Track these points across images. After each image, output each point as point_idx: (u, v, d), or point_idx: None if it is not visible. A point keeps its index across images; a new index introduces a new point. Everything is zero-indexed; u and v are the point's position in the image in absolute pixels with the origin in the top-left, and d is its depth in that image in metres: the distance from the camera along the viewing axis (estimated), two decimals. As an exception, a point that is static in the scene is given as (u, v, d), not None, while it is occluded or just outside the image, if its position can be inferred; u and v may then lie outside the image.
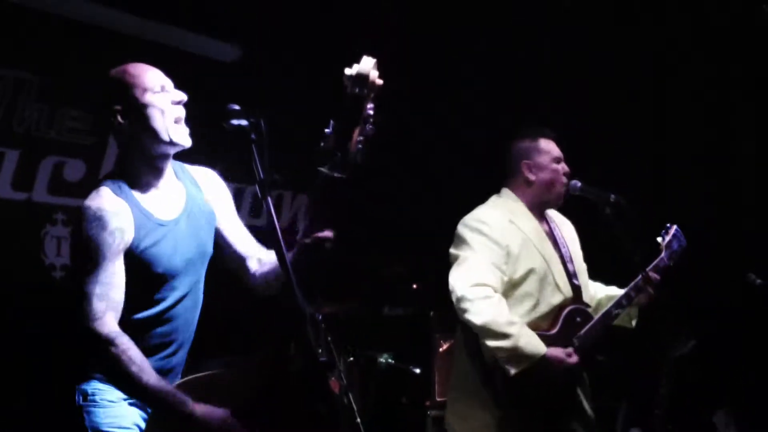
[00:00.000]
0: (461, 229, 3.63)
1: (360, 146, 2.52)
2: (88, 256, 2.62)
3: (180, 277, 2.82)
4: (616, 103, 6.06)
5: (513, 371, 3.32)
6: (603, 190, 3.73)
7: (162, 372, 2.72)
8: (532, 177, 3.72)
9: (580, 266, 3.81)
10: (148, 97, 2.73)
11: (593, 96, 6.10)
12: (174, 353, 2.86)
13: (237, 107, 2.58)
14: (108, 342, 2.57)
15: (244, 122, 2.56)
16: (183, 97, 2.78)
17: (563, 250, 3.74)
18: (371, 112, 2.53)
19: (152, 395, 2.60)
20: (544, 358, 3.35)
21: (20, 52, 4.65)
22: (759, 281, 4.76)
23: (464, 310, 3.41)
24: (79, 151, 5.00)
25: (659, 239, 3.86)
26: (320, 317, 5.15)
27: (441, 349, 5.41)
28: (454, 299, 3.47)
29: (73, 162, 4.97)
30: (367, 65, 2.48)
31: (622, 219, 3.63)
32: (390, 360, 5.80)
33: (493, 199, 3.80)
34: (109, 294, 2.62)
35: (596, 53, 5.91)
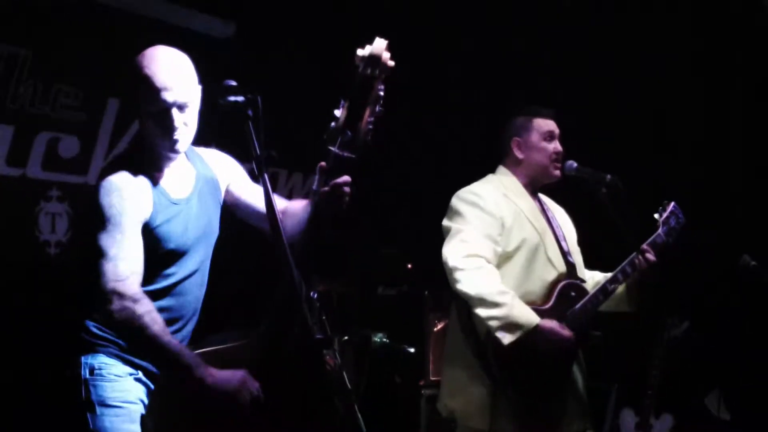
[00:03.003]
0: (455, 201, 3.62)
1: (370, 126, 2.56)
2: (110, 223, 2.66)
3: (190, 254, 2.88)
4: (612, 87, 6.05)
5: (507, 340, 3.30)
6: (599, 171, 3.72)
7: None
8: (520, 155, 3.72)
9: (574, 248, 3.80)
10: (162, 114, 2.72)
11: (591, 80, 6.09)
12: (181, 328, 2.90)
13: (233, 83, 2.58)
14: (135, 300, 2.62)
15: (240, 98, 2.56)
16: (194, 123, 2.81)
17: (557, 229, 3.73)
18: (382, 93, 2.56)
19: (173, 354, 2.65)
20: (537, 329, 3.33)
21: (13, 28, 4.61)
22: (753, 263, 4.76)
23: (457, 281, 3.40)
24: (74, 127, 4.98)
25: (656, 215, 3.85)
26: (315, 295, 5.15)
27: (435, 329, 5.41)
28: (447, 270, 3.45)
29: (67, 138, 4.95)
30: (379, 46, 2.52)
31: (617, 200, 3.62)
32: (384, 339, 5.81)
33: (489, 177, 3.80)
34: (133, 258, 2.67)
35: (585, 38, 5.90)
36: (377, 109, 2.57)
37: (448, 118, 6.58)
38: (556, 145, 3.72)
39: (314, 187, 2.68)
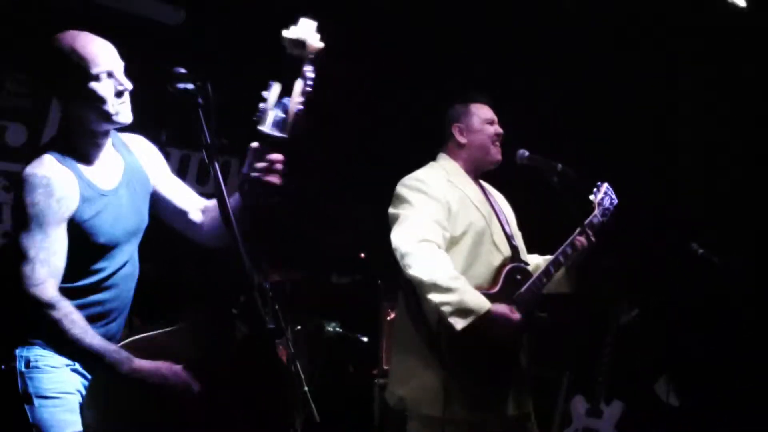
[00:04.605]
0: (400, 188, 3.61)
1: (300, 106, 2.52)
2: (32, 222, 2.61)
3: (120, 247, 2.83)
4: (565, 77, 6.08)
5: (459, 326, 3.29)
6: (550, 160, 3.75)
7: None
8: (463, 140, 3.74)
9: (516, 232, 3.83)
10: (93, 84, 2.66)
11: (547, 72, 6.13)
12: (113, 320, 2.87)
13: (183, 70, 2.54)
14: (50, 306, 2.59)
15: (190, 86, 2.52)
16: (129, 86, 2.73)
17: (500, 214, 3.76)
18: (311, 74, 2.52)
19: (96, 355, 2.63)
20: (488, 314, 3.33)
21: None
22: (701, 251, 4.84)
23: (409, 266, 3.38)
24: (21, 115, 4.90)
25: (591, 197, 3.89)
26: (267, 285, 5.13)
27: (388, 318, 5.42)
28: (398, 256, 3.43)
29: (14, 126, 4.87)
30: (304, 28, 2.48)
31: (568, 188, 3.65)
32: (337, 329, 5.80)
33: (431, 164, 3.79)
34: (52, 260, 2.62)
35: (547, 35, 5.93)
36: (307, 89, 2.53)
37: (407, 105, 6.56)
38: (497, 128, 3.76)
39: (244, 169, 2.64)
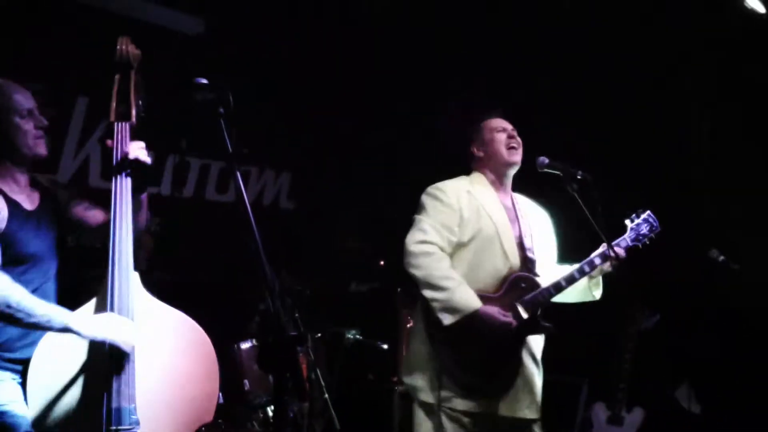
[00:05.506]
0: (422, 196, 3.84)
1: (140, 102, 2.96)
2: None
3: (41, 263, 3.00)
4: (581, 85, 6.08)
5: (446, 321, 3.51)
6: (570, 166, 3.76)
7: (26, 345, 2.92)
8: (480, 154, 3.94)
9: (542, 245, 3.88)
10: (16, 121, 2.97)
11: (560, 77, 6.13)
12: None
13: (204, 81, 2.58)
14: None
15: (211, 96, 2.56)
16: (45, 123, 3.04)
17: (523, 226, 3.85)
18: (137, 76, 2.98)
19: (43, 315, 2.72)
20: (477, 313, 3.51)
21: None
22: (722, 257, 4.83)
23: (409, 264, 3.64)
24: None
25: (627, 222, 3.90)
26: (288, 293, 5.16)
27: (408, 325, 5.42)
28: (404, 256, 3.68)
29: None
30: (121, 43, 2.98)
31: (587, 195, 3.66)
32: (357, 336, 5.82)
33: (461, 177, 3.96)
34: None
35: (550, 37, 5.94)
36: (140, 84, 2.95)
37: (429, 115, 6.58)
38: (508, 132, 3.91)
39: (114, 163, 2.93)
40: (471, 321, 3.51)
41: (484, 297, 3.59)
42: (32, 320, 2.70)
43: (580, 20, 5.82)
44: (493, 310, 3.54)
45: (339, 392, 5.54)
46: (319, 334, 5.62)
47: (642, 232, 3.90)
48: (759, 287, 5.12)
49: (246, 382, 4.99)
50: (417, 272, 3.62)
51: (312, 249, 6.57)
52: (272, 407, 5.08)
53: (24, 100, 3.01)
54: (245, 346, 5.07)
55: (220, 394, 4.84)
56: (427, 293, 3.58)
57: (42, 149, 3.03)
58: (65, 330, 2.72)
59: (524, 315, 3.62)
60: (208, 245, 5.76)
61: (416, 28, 6.08)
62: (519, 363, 3.66)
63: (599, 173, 3.72)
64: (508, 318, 3.56)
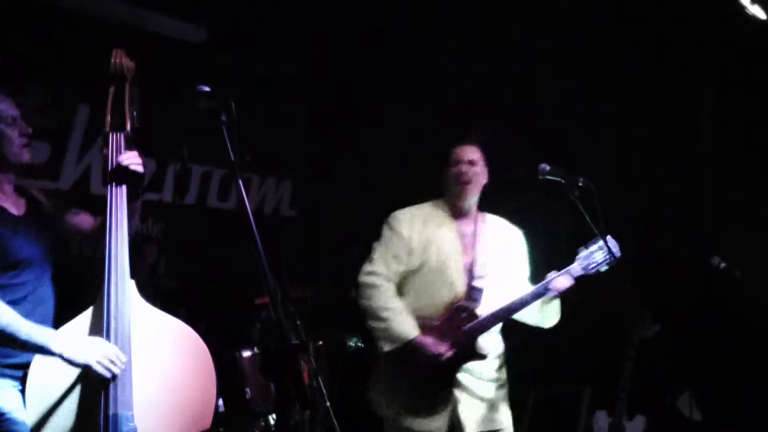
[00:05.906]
0: (384, 224, 4.02)
1: (135, 113, 3.01)
2: None
3: (33, 267, 3.02)
4: (579, 92, 6.08)
5: (385, 348, 3.80)
6: (571, 174, 3.74)
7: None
8: (443, 186, 4.02)
9: (497, 273, 3.92)
10: (1, 129, 3.00)
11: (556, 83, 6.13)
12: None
13: (207, 89, 2.59)
14: None
15: (213, 104, 2.57)
16: (29, 130, 3.08)
17: (477, 254, 3.91)
18: (132, 86, 3.02)
19: (27, 337, 2.76)
20: (412, 342, 3.75)
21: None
22: (723, 265, 4.82)
23: (357, 294, 3.93)
24: (44, 132, 4.94)
25: (580, 249, 3.83)
26: (289, 300, 5.16)
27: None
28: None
29: (36, 144, 4.91)
30: (115, 56, 3.01)
31: (589, 203, 3.64)
32: (358, 344, 5.82)
33: (428, 202, 4.05)
34: None
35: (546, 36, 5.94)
36: (134, 95, 3.00)
37: (428, 119, 6.58)
38: (459, 168, 3.93)
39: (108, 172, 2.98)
40: (409, 349, 3.76)
41: (425, 326, 3.81)
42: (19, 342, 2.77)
43: (580, 20, 5.82)
44: (428, 341, 3.76)
45: (340, 399, 5.53)
46: (321, 342, 5.62)
47: (595, 261, 3.81)
48: (761, 295, 5.11)
49: (248, 389, 5.00)
50: (362, 302, 3.89)
51: (313, 256, 6.58)
52: (274, 415, 5.09)
53: (7, 108, 3.05)
54: (247, 353, 5.08)
55: (222, 402, 4.85)
56: (370, 323, 3.86)
57: (26, 156, 3.08)
58: (45, 352, 2.75)
59: (462, 343, 3.76)
60: (209, 252, 5.77)
61: (417, 34, 6.09)
62: (456, 386, 3.83)
63: (599, 178, 3.71)
64: (441, 348, 3.74)
